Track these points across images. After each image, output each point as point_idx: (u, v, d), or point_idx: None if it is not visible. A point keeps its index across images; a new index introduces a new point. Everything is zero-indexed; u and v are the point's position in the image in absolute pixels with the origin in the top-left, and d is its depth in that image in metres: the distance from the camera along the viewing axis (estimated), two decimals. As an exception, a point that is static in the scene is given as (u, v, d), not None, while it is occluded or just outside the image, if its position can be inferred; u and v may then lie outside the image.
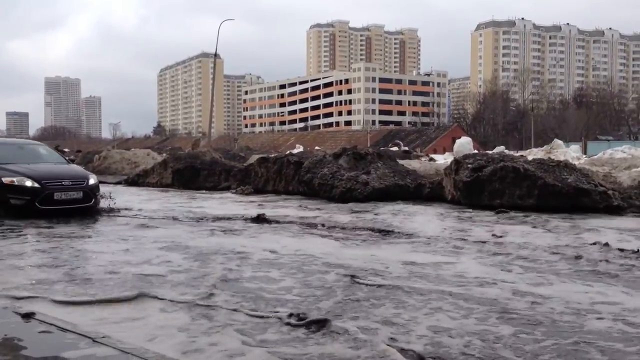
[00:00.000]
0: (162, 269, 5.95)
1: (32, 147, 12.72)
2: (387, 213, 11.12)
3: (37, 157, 11.88)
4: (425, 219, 10.19)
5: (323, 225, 9.37)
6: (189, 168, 19.56)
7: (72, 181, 10.70)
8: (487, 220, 10.02)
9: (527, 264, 6.16)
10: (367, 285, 5.21)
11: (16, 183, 10.30)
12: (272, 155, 20.17)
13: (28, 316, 4.05)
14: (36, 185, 10.31)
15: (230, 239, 7.99)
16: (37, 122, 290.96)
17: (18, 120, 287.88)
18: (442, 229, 8.86)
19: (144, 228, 9.25)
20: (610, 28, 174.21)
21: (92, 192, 10.92)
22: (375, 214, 11.01)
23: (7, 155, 11.41)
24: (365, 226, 9.21)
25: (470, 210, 11.60)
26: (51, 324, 3.88)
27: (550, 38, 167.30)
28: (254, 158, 22.12)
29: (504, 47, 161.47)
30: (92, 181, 11.02)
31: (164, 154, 34.36)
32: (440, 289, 5.05)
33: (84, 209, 10.79)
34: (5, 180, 10.33)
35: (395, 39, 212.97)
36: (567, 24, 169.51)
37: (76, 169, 12.02)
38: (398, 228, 8.96)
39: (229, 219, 10.30)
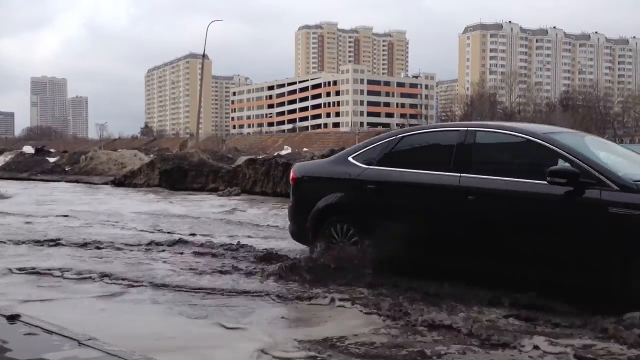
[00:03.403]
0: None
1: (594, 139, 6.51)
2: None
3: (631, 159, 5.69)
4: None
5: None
6: (176, 169, 19.54)
7: None
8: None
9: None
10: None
11: None
12: (260, 157, 20.16)
13: (13, 318, 4.01)
14: None
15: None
16: (23, 122, 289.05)
17: (3, 120, 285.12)
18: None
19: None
20: (596, 32, 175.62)
21: None
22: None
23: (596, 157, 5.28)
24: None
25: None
26: (36, 326, 3.85)
27: (537, 41, 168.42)
28: (241, 159, 22.08)
29: (491, 50, 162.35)
30: None
31: (152, 155, 34.22)
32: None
33: None
34: None
35: (383, 41, 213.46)
36: (554, 27, 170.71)
37: None
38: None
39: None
